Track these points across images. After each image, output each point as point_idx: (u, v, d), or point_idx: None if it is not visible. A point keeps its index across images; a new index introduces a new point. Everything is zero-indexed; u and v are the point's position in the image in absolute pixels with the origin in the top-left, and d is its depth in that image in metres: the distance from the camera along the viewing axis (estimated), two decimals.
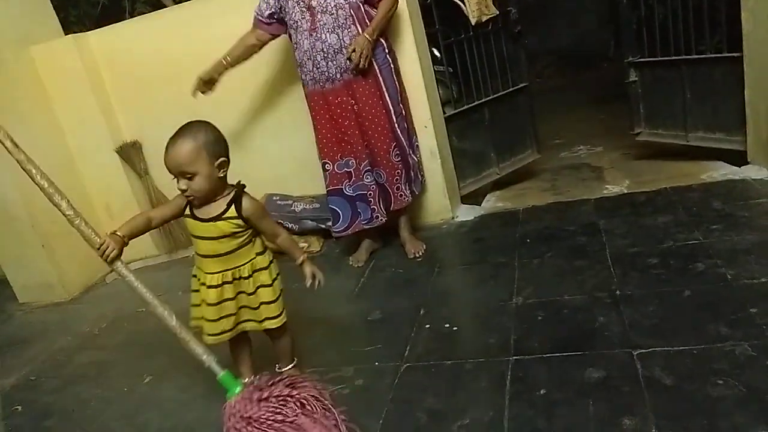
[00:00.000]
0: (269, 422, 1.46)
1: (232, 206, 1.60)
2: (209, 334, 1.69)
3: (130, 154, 3.26)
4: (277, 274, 1.73)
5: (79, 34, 3.27)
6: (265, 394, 1.51)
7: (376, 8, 2.43)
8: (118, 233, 1.61)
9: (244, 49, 2.61)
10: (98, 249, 1.59)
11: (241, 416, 1.48)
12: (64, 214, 1.66)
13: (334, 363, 1.95)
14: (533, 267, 2.29)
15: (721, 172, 2.76)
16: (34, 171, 1.68)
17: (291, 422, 1.46)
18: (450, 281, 2.42)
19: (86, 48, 3.18)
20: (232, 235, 1.61)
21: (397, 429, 1.60)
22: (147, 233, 3.13)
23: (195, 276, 1.72)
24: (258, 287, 1.68)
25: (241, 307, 1.70)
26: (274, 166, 3.15)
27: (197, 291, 1.71)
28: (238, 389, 1.54)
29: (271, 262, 1.71)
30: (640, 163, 3.21)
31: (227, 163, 1.60)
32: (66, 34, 3.41)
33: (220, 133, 1.61)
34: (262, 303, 1.69)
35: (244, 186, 1.65)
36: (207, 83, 2.62)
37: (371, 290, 2.45)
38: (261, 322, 1.72)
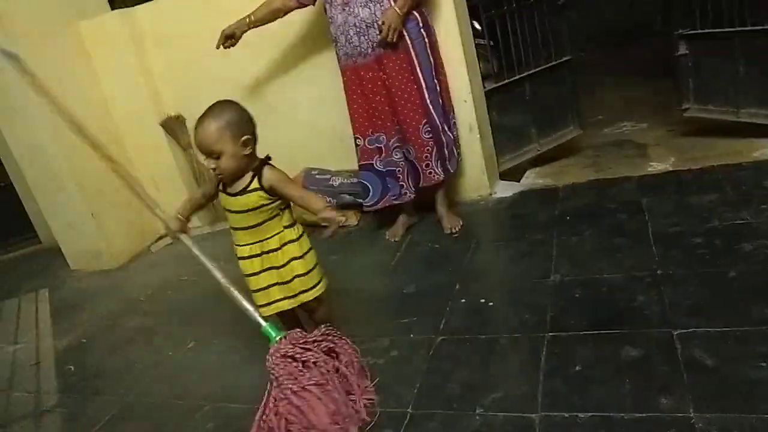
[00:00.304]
0: (308, 363, 1.55)
1: (255, 178, 1.63)
2: (259, 305, 1.74)
3: (174, 127, 3.34)
4: (310, 248, 1.75)
5: (125, 9, 3.34)
6: (308, 342, 1.60)
7: None
8: (180, 215, 1.80)
9: (268, 12, 2.62)
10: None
11: (283, 354, 1.55)
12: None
13: (369, 334, 1.98)
14: (572, 244, 2.26)
15: None
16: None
17: (326, 372, 1.55)
18: (486, 257, 2.42)
19: (132, 23, 3.25)
20: (260, 207, 1.64)
21: (431, 399, 1.62)
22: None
23: (236, 256, 1.77)
24: (289, 260, 1.70)
25: (273, 285, 1.72)
26: (314, 141, 3.18)
27: (244, 273, 1.77)
28: (279, 337, 1.60)
29: (301, 235, 1.73)
30: (686, 140, 3.10)
31: (252, 140, 1.63)
32: (112, 9, 3.49)
33: (245, 112, 1.64)
34: (295, 276, 1.72)
35: (268, 158, 1.68)
36: (228, 37, 2.65)
37: (407, 264, 2.47)
38: (296, 296, 1.74)
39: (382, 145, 2.57)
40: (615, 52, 6.16)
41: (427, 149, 2.55)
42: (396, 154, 2.57)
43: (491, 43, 3.04)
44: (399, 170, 2.58)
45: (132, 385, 2.07)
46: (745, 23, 2.68)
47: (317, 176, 3.15)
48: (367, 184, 2.65)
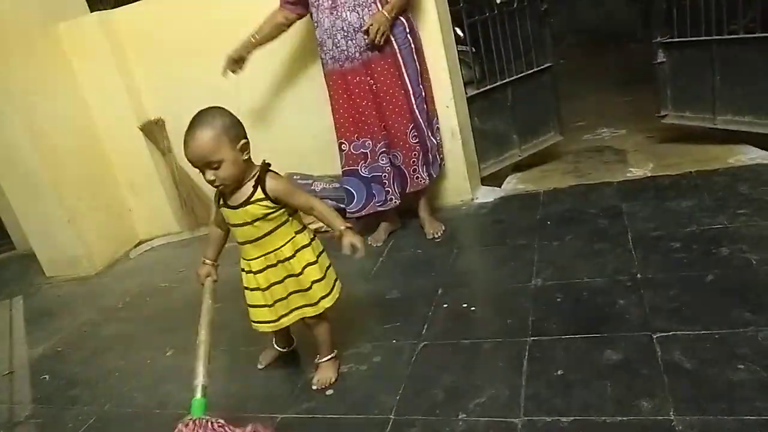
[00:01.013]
0: None
1: (258, 188, 1.58)
2: (260, 321, 1.71)
3: (154, 131, 3.30)
4: (322, 250, 1.74)
5: (103, 11, 3.29)
6: None
7: None
8: (208, 261, 1.77)
9: (272, 28, 2.60)
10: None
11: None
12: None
13: (352, 340, 1.97)
14: (553, 249, 2.28)
15: (749, 156, 2.70)
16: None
17: None
18: (469, 262, 2.42)
19: (111, 25, 3.20)
20: (264, 217, 1.59)
21: (414, 405, 1.61)
22: (169, 209, 3.21)
23: (243, 270, 1.72)
24: (305, 266, 1.67)
25: (292, 293, 1.69)
26: (295, 145, 3.16)
27: (247, 287, 1.72)
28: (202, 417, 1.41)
29: (313, 238, 1.71)
30: (664, 146, 3.15)
31: (248, 144, 1.58)
32: (91, 11, 3.44)
33: (234, 116, 1.58)
34: (313, 282, 1.68)
35: (268, 165, 1.63)
36: (236, 62, 2.63)
37: (389, 270, 2.46)
38: (317, 303, 1.70)
39: (367, 151, 2.56)
40: (595, 58, 6.26)
41: (414, 154, 2.55)
42: (382, 160, 2.56)
43: (473, 49, 3.06)
44: (385, 176, 2.58)
45: (109, 394, 2.03)
46: (722, 31, 2.73)
47: (299, 181, 3.12)
48: (351, 190, 2.64)
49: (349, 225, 1.62)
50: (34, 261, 3.34)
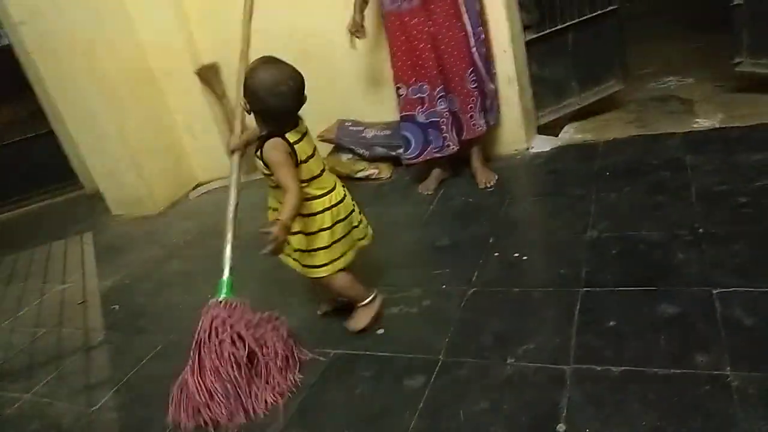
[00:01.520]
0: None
1: (259, 150, 1.63)
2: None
3: (209, 76, 3.34)
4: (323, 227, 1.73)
5: None
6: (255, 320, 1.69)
7: None
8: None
9: None
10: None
11: (225, 320, 1.65)
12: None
13: (402, 284, 2.01)
14: (611, 201, 2.22)
15: None
16: None
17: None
18: (521, 212, 2.40)
19: None
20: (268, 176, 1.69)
21: (462, 348, 1.65)
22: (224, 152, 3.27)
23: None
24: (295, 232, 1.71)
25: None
26: (350, 89, 3.14)
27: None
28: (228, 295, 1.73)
29: (317, 212, 1.71)
30: (736, 96, 2.96)
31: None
32: None
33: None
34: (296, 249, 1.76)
35: (272, 135, 1.61)
36: (358, 29, 2.58)
37: (440, 218, 2.47)
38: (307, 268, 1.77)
39: (425, 95, 2.52)
40: (666, 0, 5.86)
41: (472, 99, 2.50)
42: (440, 105, 2.51)
43: None
44: (443, 121, 2.54)
45: (174, 325, 2.16)
46: None
47: (350, 128, 3.13)
48: (409, 136, 2.62)
49: (282, 223, 1.52)
50: (101, 200, 3.52)
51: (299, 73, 1.61)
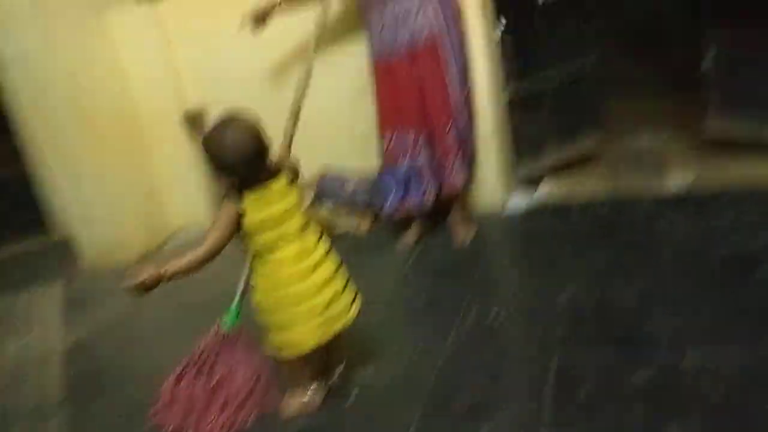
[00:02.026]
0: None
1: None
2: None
3: (195, 120, 3.31)
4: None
5: (153, 2, 3.34)
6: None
7: None
8: None
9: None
10: None
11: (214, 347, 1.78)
12: None
13: (375, 347, 1.97)
14: (586, 262, 2.23)
15: None
16: None
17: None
18: (498, 271, 2.41)
19: (158, 14, 3.25)
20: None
21: (437, 414, 1.62)
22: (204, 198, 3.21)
23: None
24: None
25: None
26: (332, 136, 3.15)
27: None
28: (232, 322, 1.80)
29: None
30: (707, 157, 3.04)
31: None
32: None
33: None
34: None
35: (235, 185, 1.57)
36: (258, 20, 2.58)
37: (418, 275, 2.46)
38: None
39: (408, 146, 2.54)
40: (639, 58, 6.07)
41: (452, 152, 2.52)
42: (422, 156, 2.54)
43: (512, 43, 3.00)
44: (423, 172, 2.55)
45: (140, 386, 2.08)
46: None
47: (332, 179, 3.13)
48: (389, 187, 2.62)
49: (161, 272, 1.53)
50: (72, 247, 3.42)
51: (251, 133, 1.52)
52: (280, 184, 1.58)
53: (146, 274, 1.48)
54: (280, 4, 2.59)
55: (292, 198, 1.60)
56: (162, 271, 1.50)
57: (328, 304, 1.62)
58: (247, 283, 1.77)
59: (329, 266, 1.66)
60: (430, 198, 2.59)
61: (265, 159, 1.55)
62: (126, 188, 3.31)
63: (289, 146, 2.07)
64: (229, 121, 1.54)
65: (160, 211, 3.53)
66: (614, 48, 6.23)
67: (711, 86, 2.95)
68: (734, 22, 2.77)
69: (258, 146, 1.52)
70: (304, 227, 1.61)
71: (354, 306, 1.73)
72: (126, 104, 3.37)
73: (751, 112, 2.80)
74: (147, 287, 1.50)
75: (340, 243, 1.78)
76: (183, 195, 3.55)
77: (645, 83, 4.97)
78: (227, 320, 1.80)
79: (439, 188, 2.60)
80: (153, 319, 2.60)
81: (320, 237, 1.66)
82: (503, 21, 2.92)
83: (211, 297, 2.61)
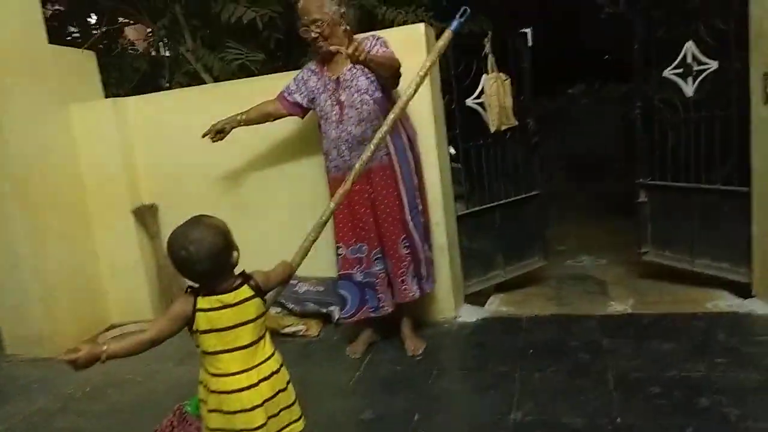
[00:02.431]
0: None
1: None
2: None
3: (146, 216, 3.31)
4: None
5: (118, 98, 3.42)
6: None
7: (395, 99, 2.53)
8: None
9: (259, 115, 2.76)
10: None
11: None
12: None
13: None
14: (534, 381, 2.25)
15: (726, 302, 2.76)
16: None
17: None
18: (448, 386, 2.37)
19: (123, 112, 3.32)
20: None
21: None
22: (147, 294, 3.12)
23: None
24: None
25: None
26: (285, 243, 3.15)
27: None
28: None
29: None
30: (644, 282, 3.22)
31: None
32: (105, 94, 3.57)
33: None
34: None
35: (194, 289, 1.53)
36: (219, 132, 2.75)
37: (366, 386, 2.39)
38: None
39: (363, 256, 2.59)
40: (580, 185, 6.53)
41: (404, 264, 2.57)
42: (377, 266, 2.58)
43: (459, 166, 3.20)
44: (378, 282, 2.59)
45: None
46: (701, 180, 2.89)
47: None
48: (345, 294, 2.63)
49: (98, 351, 1.44)
50: None
51: (212, 239, 1.48)
52: (238, 296, 1.51)
53: (84, 351, 1.40)
54: (240, 123, 2.76)
55: (247, 311, 1.52)
56: (99, 351, 1.43)
57: (266, 422, 1.51)
58: None
59: (275, 384, 1.55)
60: (386, 307, 2.60)
61: (227, 264, 1.52)
62: (63, 278, 3.16)
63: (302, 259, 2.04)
64: (199, 219, 1.53)
65: (94, 303, 3.37)
66: (558, 176, 6.75)
67: (644, 219, 3.20)
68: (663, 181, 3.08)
69: (224, 249, 1.50)
70: (256, 342, 1.53)
71: (296, 426, 1.61)
72: (76, 194, 3.32)
73: (681, 243, 3.02)
74: (83, 365, 1.41)
75: (288, 346, 1.73)
76: (124, 291, 3.41)
77: (586, 210, 5.33)
78: (191, 403, 1.68)
79: (392, 298, 2.62)
80: (71, 421, 2.39)
81: (273, 354, 1.57)
82: (452, 151, 3.14)
83: (140, 399, 2.47)
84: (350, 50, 2.17)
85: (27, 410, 2.52)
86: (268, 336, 1.58)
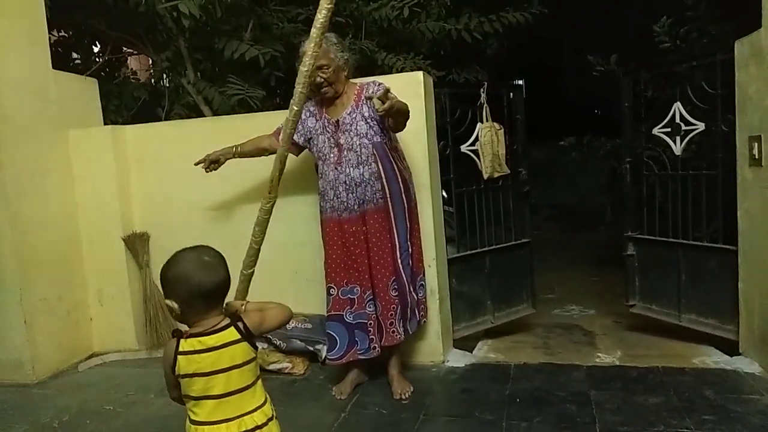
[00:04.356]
0: None
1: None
2: None
3: (136, 244, 3.29)
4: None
5: (117, 126, 3.45)
6: None
7: (395, 145, 2.61)
8: None
9: (255, 149, 2.80)
10: None
11: None
12: None
13: None
14: (521, 431, 2.22)
15: (713, 358, 2.78)
16: None
17: None
18: (434, 431, 2.34)
19: (121, 139, 3.35)
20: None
21: None
22: (132, 325, 3.05)
23: None
24: None
25: None
26: (273, 280, 3.14)
27: None
28: None
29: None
30: (632, 335, 3.24)
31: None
32: (104, 121, 3.60)
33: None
34: None
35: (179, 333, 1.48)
36: (213, 162, 2.80)
37: (351, 429, 2.35)
38: None
39: (355, 297, 2.59)
40: (568, 234, 6.62)
41: (393, 307, 2.57)
42: (369, 307, 2.58)
43: (451, 209, 3.24)
44: (370, 323, 2.58)
45: None
46: (688, 236, 2.95)
47: None
48: (335, 335, 2.61)
49: None
50: None
51: (220, 264, 1.48)
52: (221, 338, 1.44)
53: None
54: (234, 155, 2.81)
55: (232, 356, 1.43)
56: None
57: None
58: None
59: None
60: (377, 348, 2.59)
61: (225, 294, 1.50)
62: (47, 303, 3.11)
63: (245, 289, 2.03)
64: (200, 248, 1.50)
65: (77, 330, 3.31)
66: (547, 225, 6.85)
67: (632, 271, 3.24)
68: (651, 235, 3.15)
69: (223, 277, 1.47)
70: (243, 389, 1.45)
71: None
72: (69, 218, 3.30)
73: (668, 297, 3.06)
74: None
75: (273, 383, 1.69)
76: (108, 319, 3.36)
77: (574, 259, 5.39)
78: None
79: (381, 339, 2.61)
80: None
81: (263, 404, 1.49)
82: (444, 195, 3.19)
83: None
84: (386, 106, 2.25)
85: None
86: (260, 384, 1.50)
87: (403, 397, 2.56)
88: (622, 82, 3.21)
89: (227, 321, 1.46)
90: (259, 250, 2.05)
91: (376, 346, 2.58)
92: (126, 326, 3.32)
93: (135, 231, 3.31)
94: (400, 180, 2.61)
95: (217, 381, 1.42)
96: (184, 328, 1.48)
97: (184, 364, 1.42)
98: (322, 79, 2.51)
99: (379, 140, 2.55)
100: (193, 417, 1.45)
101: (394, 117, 2.43)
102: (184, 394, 1.45)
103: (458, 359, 2.96)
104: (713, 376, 2.59)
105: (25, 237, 3.02)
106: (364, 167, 2.53)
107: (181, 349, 1.43)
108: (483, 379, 2.75)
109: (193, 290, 1.43)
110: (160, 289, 1.48)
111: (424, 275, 2.77)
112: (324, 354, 2.97)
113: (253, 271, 2.03)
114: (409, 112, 2.49)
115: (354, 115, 2.55)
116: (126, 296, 3.31)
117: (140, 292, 3.31)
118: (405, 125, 2.54)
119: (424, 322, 2.80)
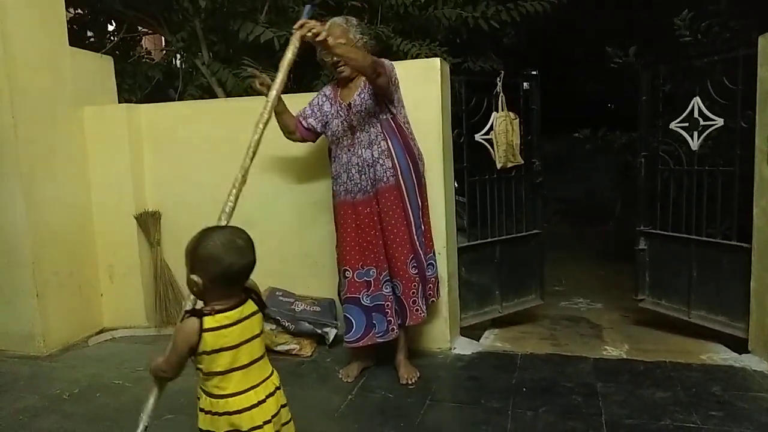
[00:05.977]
0: None
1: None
2: None
3: (148, 222, 3.31)
4: None
5: (131, 104, 3.46)
6: None
7: (401, 120, 2.58)
8: None
9: (288, 122, 2.72)
10: None
11: None
12: None
13: None
14: (527, 419, 2.23)
15: (721, 355, 2.77)
16: None
17: None
18: (440, 418, 2.34)
19: (135, 118, 3.36)
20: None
21: None
22: (141, 302, 3.06)
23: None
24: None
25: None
26: (285, 261, 3.18)
27: None
28: None
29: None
30: (639, 329, 3.23)
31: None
32: (118, 99, 3.61)
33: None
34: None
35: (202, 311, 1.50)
36: (262, 85, 2.63)
37: (357, 412, 2.37)
38: None
39: (371, 279, 2.58)
40: (578, 228, 6.59)
41: (414, 285, 2.57)
42: (386, 288, 2.58)
43: (462, 199, 3.23)
44: (388, 305, 2.57)
45: None
46: (701, 232, 2.93)
47: (280, 297, 3.10)
48: (352, 319, 2.60)
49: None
50: None
51: (250, 245, 1.52)
52: (243, 311, 1.49)
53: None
54: (275, 105, 2.48)
55: (252, 326, 1.51)
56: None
57: None
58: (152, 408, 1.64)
59: (279, 399, 1.55)
60: (395, 329, 2.59)
61: (246, 278, 1.52)
62: (59, 277, 3.14)
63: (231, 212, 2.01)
64: (233, 229, 1.54)
65: (88, 305, 3.34)
66: (557, 217, 6.82)
67: (642, 266, 3.22)
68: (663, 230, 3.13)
69: (251, 261, 1.50)
70: (261, 357, 1.53)
71: None
72: (82, 195, 3.32)
73: (678, 293, 3.04)
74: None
75: (280, 364, 1.71)
76: (119, 296, 3.40)
77: (583, 252, 5.37)
78: None
79: (403, 320, 2.61)
80: (55, 423, 2.34)
81: (273, 370, 1.57)
82: (455, 185, 3.18)
83: (126, 406, 2.42)
84: (318, 30, 2.16)
85: (12, 408, 2.47)
86: (266, 359, 1.57)
87: (410, 382, 2.58)
88: (641, 75, 3.17)
89: (243, 295, 1.51)
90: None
91: (395, 327, 2.58)
92: (136, 303, 3.35)
93: (147, 209, 3.33)
94: (408, 156, 2.59)
95: (243, 351, 1.47)
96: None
97: (211, 341, 1.44)
98: (339, 59, 2.50)
99: (385, 118, 2.54)
100: (219, 392, 1.46)
101: (353, 66, 2.43)
102: (207, 371, 1.46)
103: (465, 347, 2.96)
104: (721, 373, 2.58)
105: (39, 212, 3.04)
106: (374, 146, 2.53)
107: (206, 326, 1.44)
108: (489, 367, 2.76)
109: (225, 271, 1.45)
110: (184, 262, 1.48)
111: (434, 254, 2.75)
112: (331, 337, 2.99)
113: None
114: (366, 64, 2.35)
115: (363, 96, 2.55)
116: (137, 274, 3.33)
117: (151, 270, 3.34)
118: (385, 89, 2.46)
119: (433, 301, 2.78)
